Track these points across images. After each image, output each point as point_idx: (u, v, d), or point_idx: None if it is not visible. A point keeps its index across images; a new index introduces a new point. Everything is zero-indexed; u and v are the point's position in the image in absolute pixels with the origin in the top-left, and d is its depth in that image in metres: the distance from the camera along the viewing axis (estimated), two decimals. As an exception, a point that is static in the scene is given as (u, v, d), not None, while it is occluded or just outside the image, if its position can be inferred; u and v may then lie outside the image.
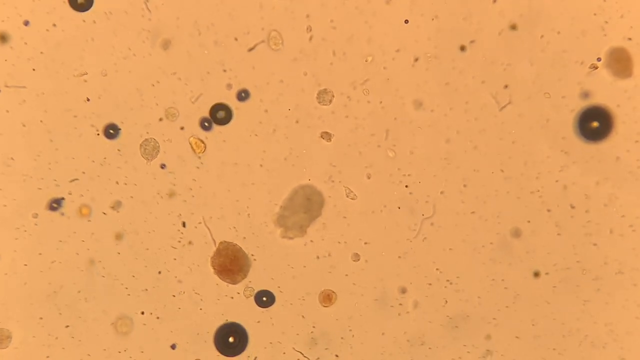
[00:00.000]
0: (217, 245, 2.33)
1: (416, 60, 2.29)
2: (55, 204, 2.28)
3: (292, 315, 2.38)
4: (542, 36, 2.26)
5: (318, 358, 2.41)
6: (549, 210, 2.32)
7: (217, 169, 2.33)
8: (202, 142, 2.28)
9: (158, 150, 2.28)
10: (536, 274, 2.34)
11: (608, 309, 2.34)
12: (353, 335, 2.40)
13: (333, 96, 2.24)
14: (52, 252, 2.36)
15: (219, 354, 2.39)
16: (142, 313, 2.36)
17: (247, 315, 2.38)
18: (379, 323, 2.39)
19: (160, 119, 2.29)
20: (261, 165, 2.33)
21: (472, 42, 2.28)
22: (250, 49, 2.30)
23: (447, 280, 2.37)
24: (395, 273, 2.37)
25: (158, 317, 2.37)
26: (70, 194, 2.32)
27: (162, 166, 2.28)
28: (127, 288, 2.35)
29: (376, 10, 2.28)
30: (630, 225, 2.31)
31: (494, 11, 2.26)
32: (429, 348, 2.39)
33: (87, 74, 2.20)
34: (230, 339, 2.37)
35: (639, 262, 2.32)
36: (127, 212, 2.34)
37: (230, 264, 2.33)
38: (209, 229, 2.33)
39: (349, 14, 2.28)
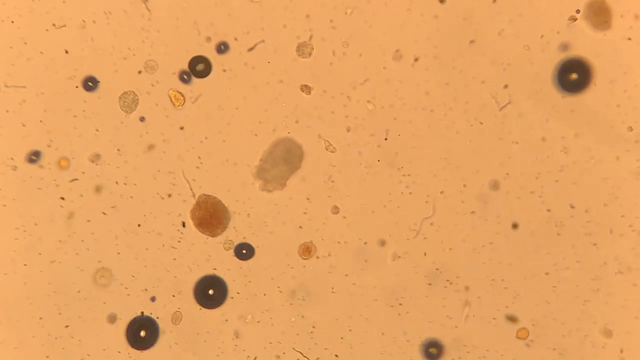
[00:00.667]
0: (196, 198, 2.33)
1: (416, 60, 2.29)
2: (34, 157, 2.28)
3: (272, 268, 2.37)
4: (542, 36, 2.26)
5: (318, 358, 2.41)
6: (548, 210, 2.32)
7: (196, 122, 2.33)
8: (182, 95, 2.28)
9: (137, 103, 2.27)
10: (538, 274, 2.35)
11: (608, 309, 2.34)
12: (353, 335, 2.40)
13: (313, 49, 2.24)
14: (52, 251, 2.36)
15: (198, 306, 2.38)
16: (133, 277, 2.36)
17: (227, 268, 2.38)
18: (378, 323, 2.39)
19: (139, 72, 2.29)
20: (240, 119, 2.32)
21: (472, 42, 2.28)
22: (250, 49, 2.31)
23: (447, 280, 2.37)
24: (374, 226, 2.36)
25: (134, 275, 2.36)
26: (48, 146, 2.31)
27: (142, 119, 2.27)
28: (117, 247, 2.35)
29: (376, 10, 2.28)
30: (630, 225, 2.31)
31: (494, 11, 2.26)
32: (429, 348, 2.39)
33: (65, 26, 2.19)
34: (210, 292, 2.37)
35: (638, 262, 2.32)
36: (106, 165, 2.33)
37: (210, 217, 2.32)
38: (188, 182, 2.32)
39: (349, 13, 2.28)
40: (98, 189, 2.32)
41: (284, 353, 2.38)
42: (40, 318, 2.37)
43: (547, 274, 2.34)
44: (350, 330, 2.40)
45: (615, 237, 2.31)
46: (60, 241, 2.36)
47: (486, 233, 2.35)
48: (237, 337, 2.39)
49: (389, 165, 2.34)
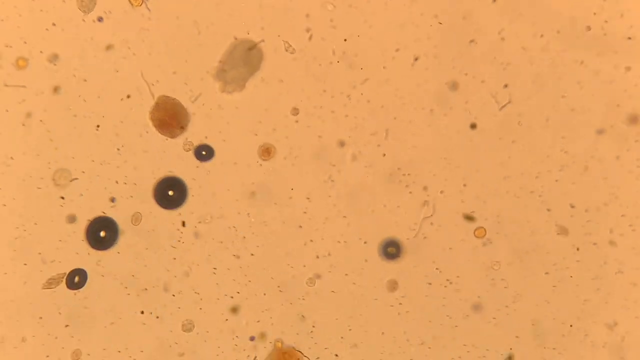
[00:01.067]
0: (156, 99, 2.32)
1: (416, 59, 2.29)
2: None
3: (231, 169, 2.36)
4: (542, 35, 2.26)
5: (318, 358, 2.41)
6: (548, 210, 2.32)
7: (156, 22, 2.30)
8: None
9: (95, 3, 2.24)
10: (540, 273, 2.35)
11: (608, 308, 2.34)
12: (353, 335, 2.40)
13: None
14: (52, 251, 2.36)
15: (158, 207, 2.37)
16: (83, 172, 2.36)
17: (186, 169, 2.36)
18: (378, 322, 2.39)
19: None
20: (198, 21, 2.30)
21: (471, 41, 2.27)
22: (250, 49, 2.30)
23: (447, 280, 2.37)
24: (333, 127, 2.35)
25: (93, 176, 2.35)
26: (8, 46, 2.30)
27: (99, 19, 2.25)
28: (75, 148, 2.33)
29: (376, 10, 2.28)
30: (630, 225, 2.31)
31: (494, 10, 2.26)
32: (429, 347, 2.40)
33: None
34: (170, 193, 2.36)
35: (638, 262, 2.32)
36: (64, 65, 2.32)
37: (170, 118, 2.30)
38: (147, 83, 2.30)
39: (349, 13, 2.28)
40: (56, 90, 2.29)
41: (222, 213, 2.35)
42: (40, 317, 2.37)
43: (547, 273, 2.34)
44: (350, 329, 2.40)
45: (615, 237, 2.31)
46: (60, 241, 2.35)
47: (485, 232, 2.35)
48: (196, 237, 2.38)
49: (389, 164, 2.34)
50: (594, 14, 2.24)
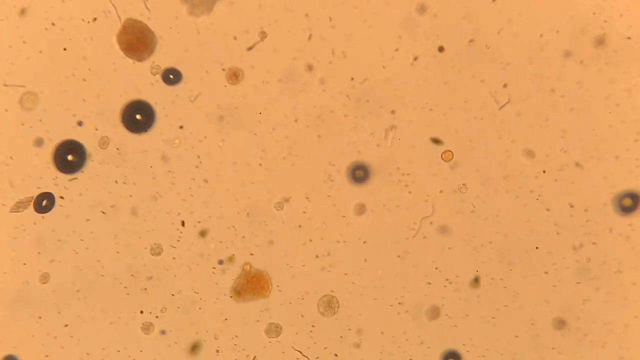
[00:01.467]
0: (122, 22, 2.29)
1: (415, 59, 2.29)
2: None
3: (198, 91, 2.33)
4: (541, 35, 2.26)
5: (317, 357, 2.41)
6: (548, 210, 2.32)
7: None
8: None
9: None
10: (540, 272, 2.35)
11: (607, 307, 2.34)
12: (352, 334, 2.40)
13: None
14: (52, 251, 2.36)
15: (126, 130, 2.35)
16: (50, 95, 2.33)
17: (154, 92, 2.34)
18: (378, 322, 2.39)
19: None
20: None
21: (471, 41, 2.28)
22: (250, 48, 2.31)
23: (447, 279, 2.37)
24: (298, 49, 2.32)
25: (61, 101, 2.32)
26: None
27: None
28: (41, 71, 2.30)
29: (376, 10, 2.28)
30: (629, 225, 2.31)
31: (494, 10, 2.26)
32: (428, 347, 2.40)
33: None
34: (137, 116, 2.33)
35: (638, 261, 2.32)
36: None
37: (137, 41, 2.28)
38: (113, 4, 2.29)
39: (348, 12, 2.28)
40: (23, 11, 2.26)
41: (191, 133, 2.35)
42: (40, 317, 2.37)
43: (546, 273, 2.34)
44: (349, 329, 2.40)
45: (614, 236, 2.31)
46: (59, 240, 2.36)
47: (485, 232, 2.36)
48: (164, 161, 2.36)
49: (388, 164, 2.34)
50: (593, 13, 2.24)
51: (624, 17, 2.24)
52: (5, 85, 2.31)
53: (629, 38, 2.24)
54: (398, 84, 2.31)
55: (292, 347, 2.40)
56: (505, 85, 2.29)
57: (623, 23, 2.24)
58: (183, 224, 2.37)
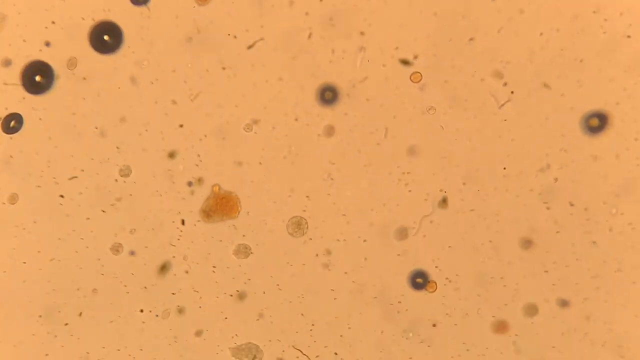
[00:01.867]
0: None
1: (415, 58, 2.29)
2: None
3: (168, 13, 2.29)
4: (541, 34, 2.26)
5: (317, 356, 2.41)
6: (548, 209, 2.32)
7: None
8: None
9: None
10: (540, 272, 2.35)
11: (607, 307, 2.34)
12: (352, 333, 2.40)
13: None
14: (52, 250, 2.36)
15: (94, 51, 2.31)
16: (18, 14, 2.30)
17: (123, 13, 2.30)
18: (378, 321, 2.40)
19: None
20: None
21: (471, 39, 2.27)
22: (250, 47, 2.31)
23: (447, 278, 2.37)
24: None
25: (27, 22, 2.29)
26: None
27: None
28: None
29: (375, 9, 2.28)
30: (629, 223, 2.31)
31: (493, 8, 2.26)
32: (428, 346, 2.40)
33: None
34: (105, 37, 2.30)
35: (638, 260, 2.32)
36: None
37: None
38: None
39: (348, 11, 2.28)
40: None
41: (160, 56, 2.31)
42: (40, 316, 2.38)
43: (546, 272, 2.34)
44: (349, 328, 2.40)
45: (614, 235, 2.31)
46: (59, 239, 2.36)
47: (485, 231, 2.36)
48: (133, 83, 2.31)
49: (389, 163, 2.34)
50: (594, 12, 2.24)
51: (624, 15, 2.23)
52: (5, 84, 2.31)
53: (629, 37, 2.24)
54: (398, 83, 2.30)
55: (293, 346, 2.40)
56: (505, 84, 2.29)
57: (623, 22, 2.24)
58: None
